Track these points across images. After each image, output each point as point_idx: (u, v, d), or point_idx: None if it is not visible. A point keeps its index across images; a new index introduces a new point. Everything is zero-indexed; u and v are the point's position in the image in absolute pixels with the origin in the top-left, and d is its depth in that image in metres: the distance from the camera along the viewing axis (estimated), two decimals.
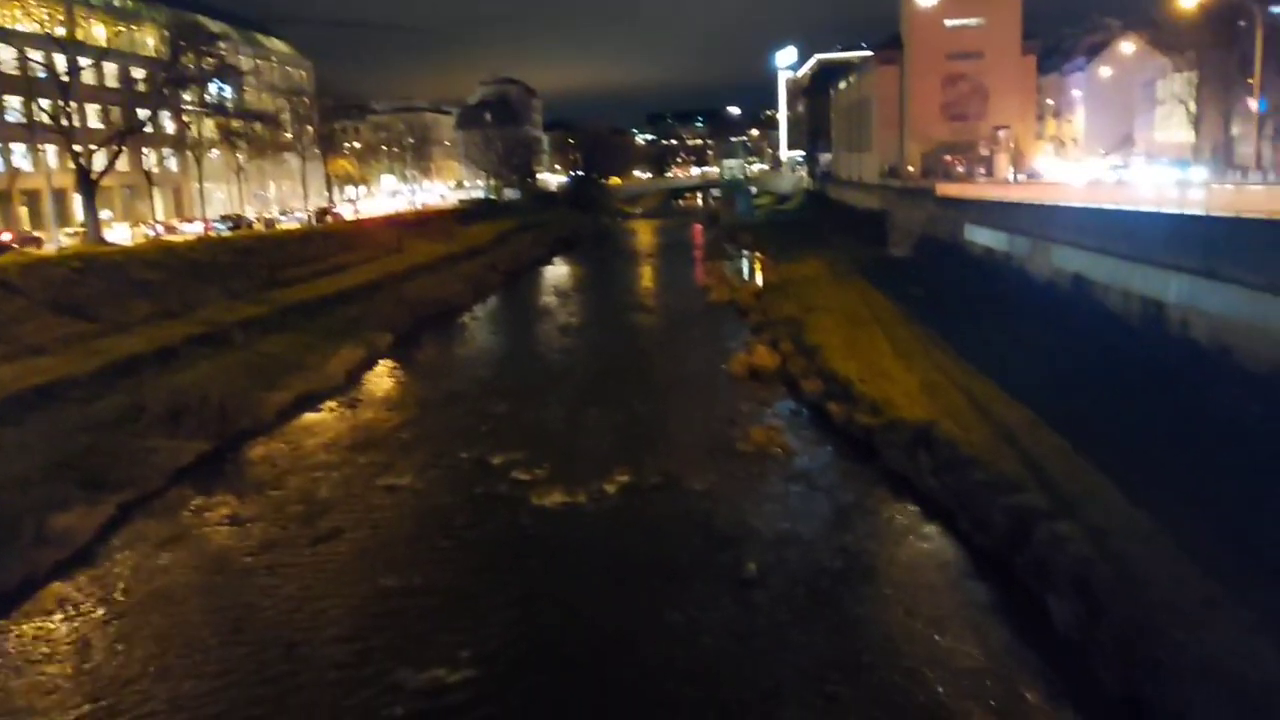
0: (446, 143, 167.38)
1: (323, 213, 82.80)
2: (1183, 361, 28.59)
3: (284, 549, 23.07)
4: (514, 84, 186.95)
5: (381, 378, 44.47)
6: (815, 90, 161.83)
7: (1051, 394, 27.65)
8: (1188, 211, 31.63)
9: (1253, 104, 51.12)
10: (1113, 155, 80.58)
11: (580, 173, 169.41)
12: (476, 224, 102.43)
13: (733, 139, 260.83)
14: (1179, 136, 78.14)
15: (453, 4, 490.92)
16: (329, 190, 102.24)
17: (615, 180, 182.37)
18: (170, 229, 67.84)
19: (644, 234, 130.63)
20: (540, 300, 71.10)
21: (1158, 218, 33.17)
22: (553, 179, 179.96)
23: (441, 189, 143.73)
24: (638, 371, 42.87)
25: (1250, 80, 51.59)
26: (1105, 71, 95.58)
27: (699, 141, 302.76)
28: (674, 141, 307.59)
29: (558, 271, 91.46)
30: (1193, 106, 72.31)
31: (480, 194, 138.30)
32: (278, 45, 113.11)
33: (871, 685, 15.78)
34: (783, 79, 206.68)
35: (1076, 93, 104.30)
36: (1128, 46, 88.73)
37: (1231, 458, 20.92)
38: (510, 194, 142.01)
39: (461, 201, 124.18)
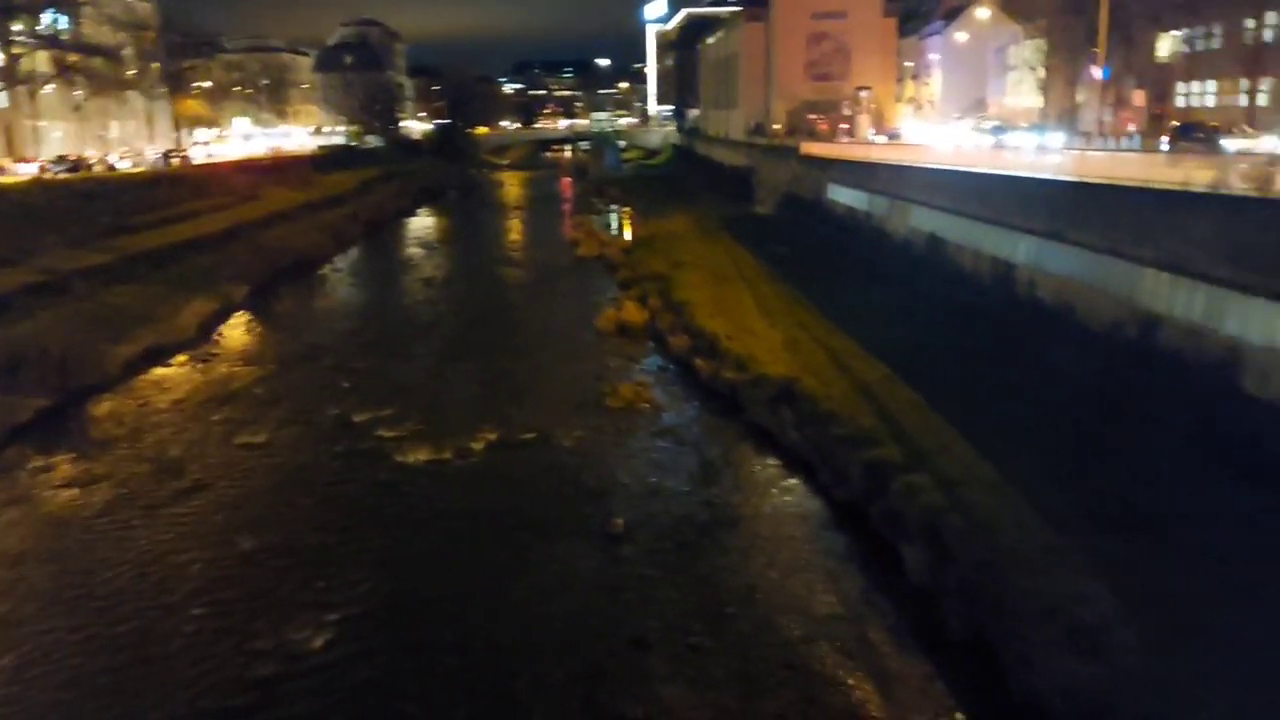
0: (305, 85, 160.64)
1: (170, 155, 78.42)
2: (1029, 320, 30.07)
3: (132, 510, 22.04)
4: (376, 26, 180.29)
5: (237, 331, 42.77)
6: (684, 44, 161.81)
7: (907, 351, 28.70)
8: (1037, 175, 33.10)
9: (1096, 72, 53.60)
10: (967, 118, 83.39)
11: (446, 121, 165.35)
12: (337, 172, 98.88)
13: (602, 92, 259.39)
14: (1028, 102, 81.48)
15: None
16: (177, 132, 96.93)
17: (482, 130, 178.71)
18: (0, 169, 63.15)
19: (511, 186, 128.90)
20: (405, 252, 69.49)
21: (1009, 181, 34.61)
22: (417, 127, 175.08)
23: (300, 134, 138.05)
24: (505, 326, 42.47)
25: (1095, 49, 54.06)
26: (961, 36, 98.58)
27: (567, 93, 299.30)
28: (542, 92, 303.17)
29: (423, 223, 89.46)
30: (1041, 73, 75.40)
31: (341, 140, 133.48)
32: None
33: (733, 635, 16.20)
34: (652, 32, 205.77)
35: (934, 56, 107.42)
36: (983, 12, 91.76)
37: (1071, 411, 22.16)
38: (373, 141, 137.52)
39: (321, 148, 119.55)
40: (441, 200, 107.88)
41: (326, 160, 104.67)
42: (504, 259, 63.86)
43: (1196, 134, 39.13)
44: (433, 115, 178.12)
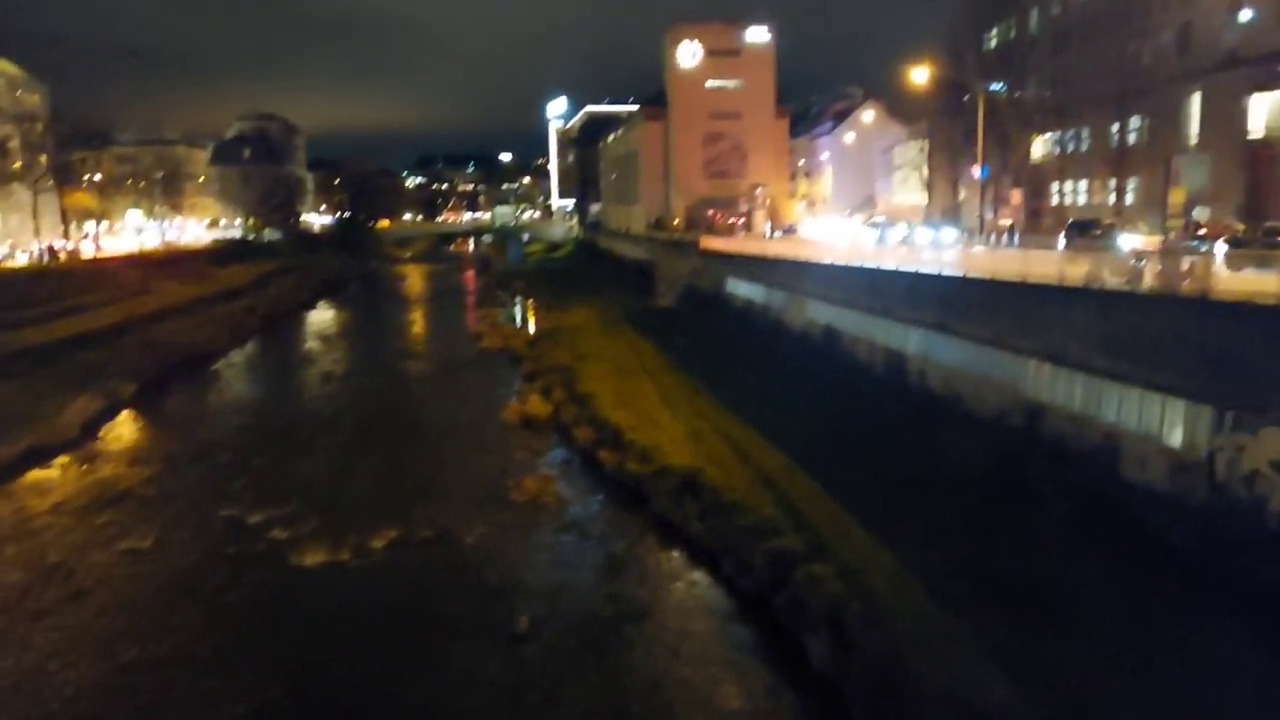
0: (200, 179, 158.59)
1: (53, 249, 76.00)
2: (921, 409, 31.02)
3: (7, 620, 20.82)
4: (275, 120, 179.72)
5: (125, 429, 41.24)
6: (585, 141, 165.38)
7: (806, 440, 29.28)
8: (924, 270, 34.54)
9: (976, 171, 56.60)
10: (858, 214, 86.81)
11: (347, 214, 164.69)
12: (234, 265, 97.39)
13: (505, 186, 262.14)
14: (914, 199, 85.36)
15: (210, 34, 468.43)
16: (65, 225, 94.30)
17: (384, 223, 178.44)
18: None
19: (414, 279, 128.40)
20: (304, 346, 68.29)
21: (899, 275, 36.00)
22: (317, 220, 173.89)
23: (195, 228, 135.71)
24: (408, 421, 41.91)
25: (975, 150, 57.18)
26: (849, 137, 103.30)
27: (471, 187, 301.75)
28: (445, 186, 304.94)
29: (322, 316, 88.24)
30: (925, 172, 79.21)
31: (238, 234, 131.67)
32: (6, 67, 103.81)
33: None
34: (554, 129, 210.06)
35: (825, 155, 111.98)
36: (869, 115, 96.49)
37: (963, 498, 22.83)
38: (271, 235, 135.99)
39: (216, 241, 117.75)
40: (342, 293, 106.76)
41: (223, 254, 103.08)
42: (407, 352, 63.29)
43: (1094, 231, 40.23)
44: (334, 208, 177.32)
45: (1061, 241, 38.87)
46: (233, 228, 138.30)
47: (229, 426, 41.76)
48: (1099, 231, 39.79)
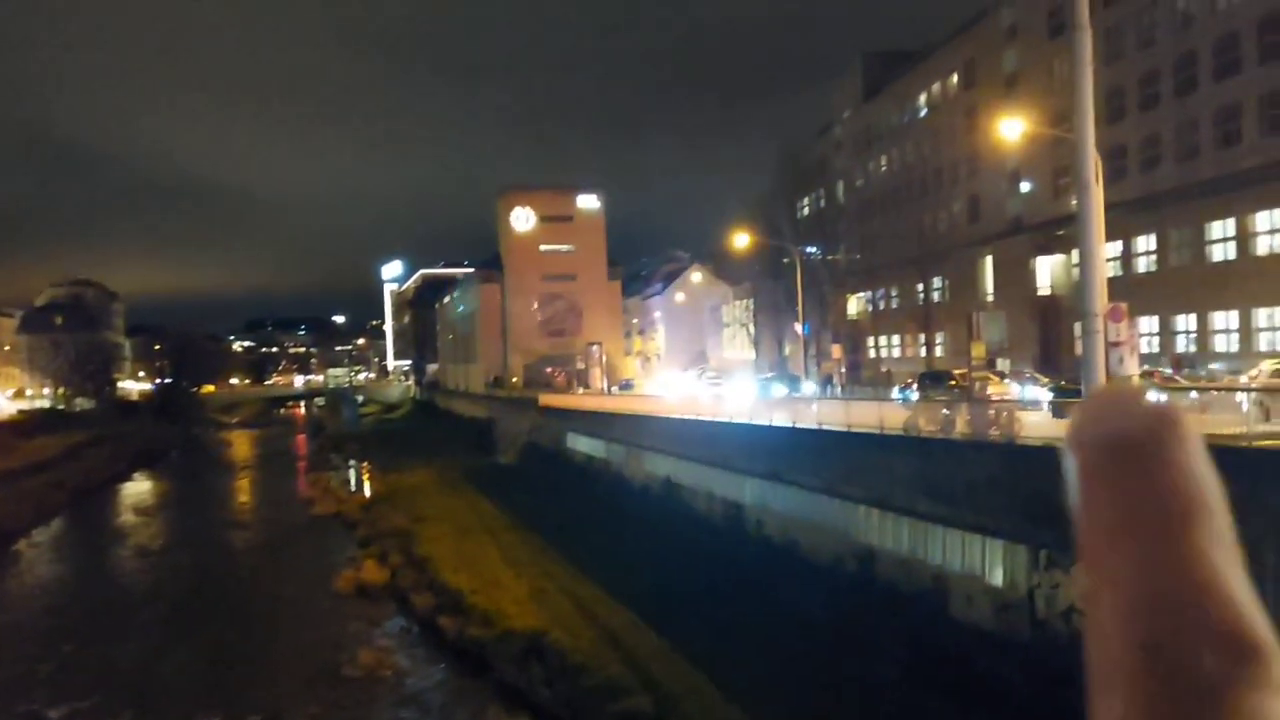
0: (6, 347, 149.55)
1: None
2: (759, 558, 31.63)
3: None
4: (91, 286, 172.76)
5: None
6: (421, 303, 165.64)
7: (650, 595, 29.27)
8: (756, 422, 35.86)
9: (798, 328, 59.81)
10: (691, 369, 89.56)
11: (168, 380, 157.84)
12: (42, 437, 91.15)
13: (339, 348, 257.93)
14: (743, 354, 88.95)
15: (20, 198, 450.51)
16: None
17: (209, 388, 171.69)
18: None
19: (242, 445, 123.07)
20: (118, 520, 63.93)
21: (733, 427, 37.22)
22: (136, 387, 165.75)
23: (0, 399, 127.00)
24: (232, 596, 39.50)
25: (796, 308, 60.55)
26: (679, 296, 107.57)
27: (303, 349, 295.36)
28: (275, 349, 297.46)
29: (140, 488, 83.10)
30: (752, 329, 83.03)
31: (47, 404, 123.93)
32: None
33: None
34: (389, 291, 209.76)
35: (657, 314, 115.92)
36: (696, 276, 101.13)
37: (802, 646, 23.19)
38: (85, 403, 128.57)
39: (21, 412, 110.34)
40: (162, 463, 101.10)
41: (29, 425, 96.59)
42: (232, 522, 60.13)
43: (949, 382, 41.38)
44: (155, 374, 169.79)
45: (915, 393, 40.27)
46: (41, 397, 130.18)
47: (30, 610, 38.29)
48: (953, 382, 40.82)
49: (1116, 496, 0.30)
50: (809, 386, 50.82)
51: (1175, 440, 0.31)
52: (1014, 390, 35.54)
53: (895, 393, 43.62)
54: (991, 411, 25.21)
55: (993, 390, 35.67)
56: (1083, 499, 0.31)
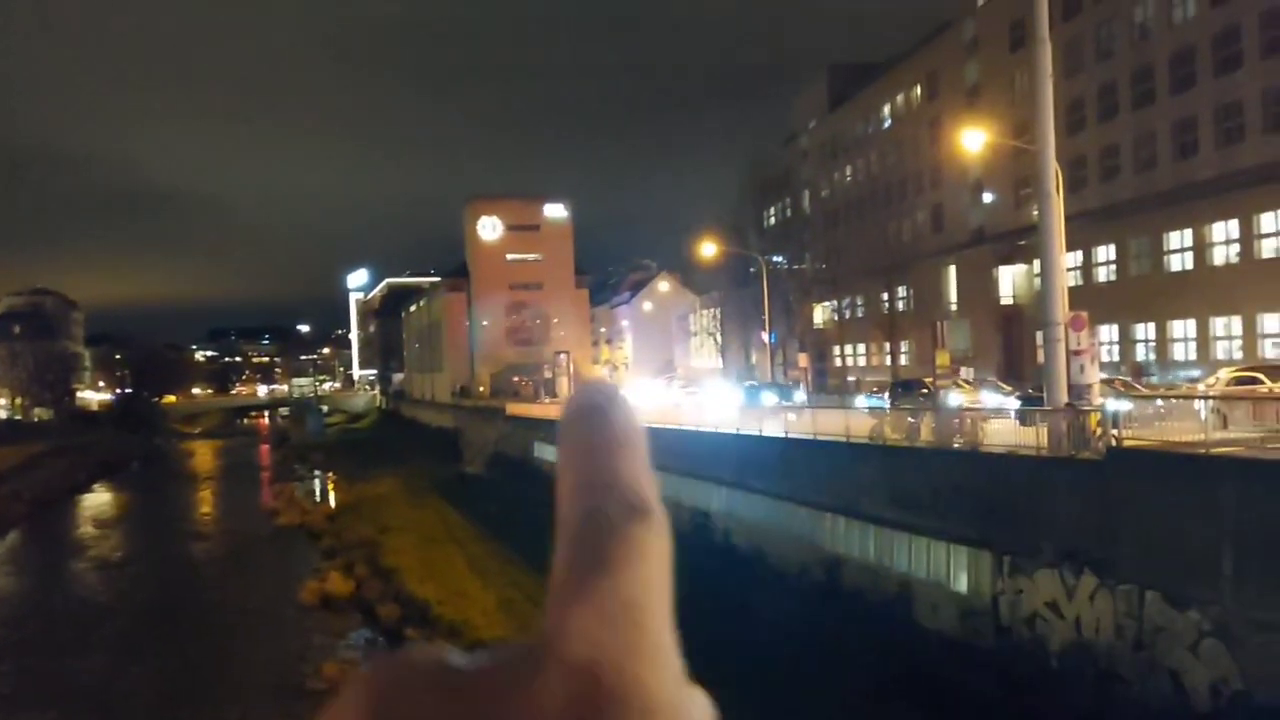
0: None
1: None
2: (728, 567, 31.68)
3: None
4: (50, 295, 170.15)
5: None
6: (387, 312, 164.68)
7: None
8: (723, 430, 35.96)
9: (765, 336, 60.09)
10: (660, 378, 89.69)
11: (129, 391, 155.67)
12: None
13: (303, 357, 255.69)
14: (711, 363, 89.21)
15: None
16: None
17: (171, 399, 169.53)
18: None
19: (204, 455, 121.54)
20: (77, 533, 62.87)
21: (701, 436, 37.30)
22: (96, 397, 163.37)
23: None
24: (195, 609, 38.96)
25: (763, 316, 60.83)
26: (647, 305, 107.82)
27: (266, 359, 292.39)
28: (239, 359, 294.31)
29: (100, 499, 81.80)
30: (719, 337, 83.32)
31: (4, 414, 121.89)
32: None
33: None
34: (354, 300, 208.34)
35: (625, 322, 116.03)
36: (664, 285, 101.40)
37: (774, 654, 23.27)
38: (43, 414, 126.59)
39: None
40: (123, 474, 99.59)
41: None
42: (194, 533, 59.33)
43: (920, 390, 41.16)
44: (116, 384, 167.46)
45: (887, 400, 40.45)
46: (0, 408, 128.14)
47: None
48: (925, 391, 40.72)
49: (579, 432, 0.48)
50: (800, 395, 49.84)
51: (616, 406, 0.48)
52: (988, 398, 35.78)
53: (861, 400, 43.85)
54: (955, 420, 25.46)
55: (965, 398, 35.91)
56: (561, 436, 0.50)
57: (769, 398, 45.41)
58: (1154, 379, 41.40)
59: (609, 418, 0.49)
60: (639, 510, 0.47)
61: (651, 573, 0.47)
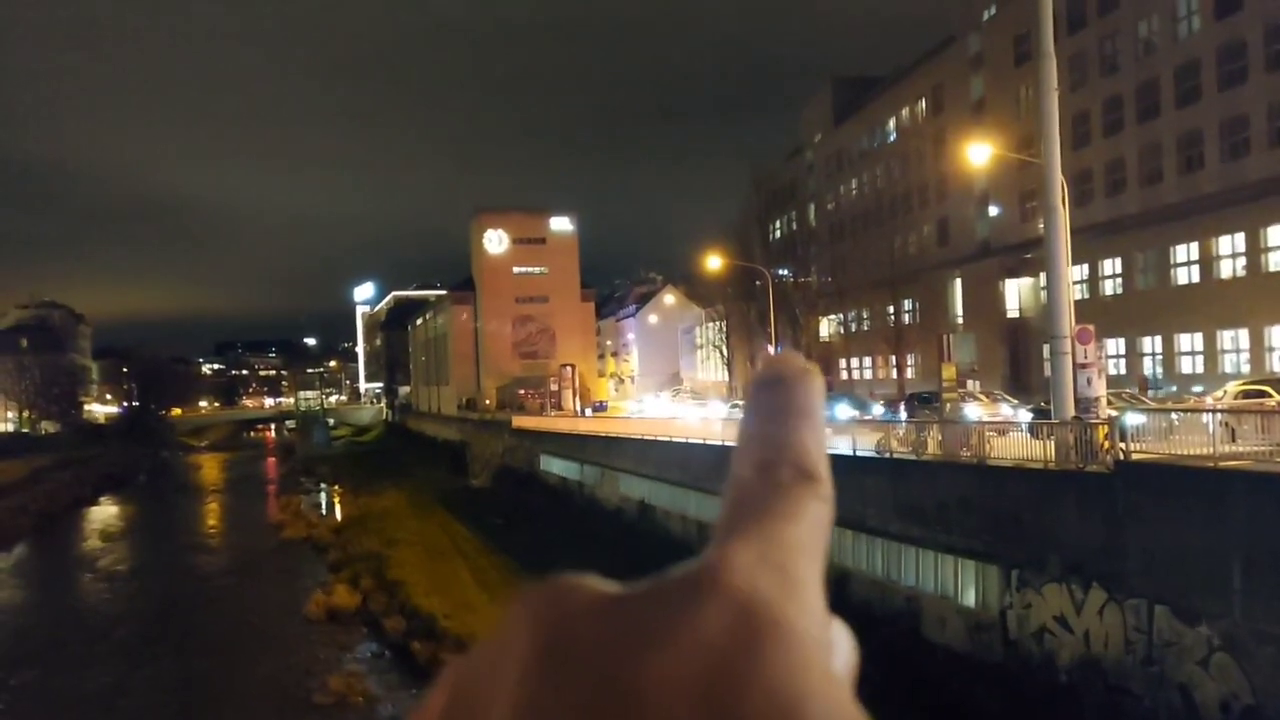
0: None
1: None
2: None
3: None
4: (57, 308, 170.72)
5: None
6: (393, 325, 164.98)
7: None
8: (726, 443, 35.86)
9: (770, 349, 60.07)
10: (665, 391, 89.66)
11: (135, 404, 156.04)
12: (4, 461, 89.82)
13: (310, 370, 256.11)
14: (716, 376, 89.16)
15: None
16: None
17: (177, 412, 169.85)
18: None
19: (210, 469, 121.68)
20: (83, 546, 62.94)
21: (705, 449, 37.27)
22: (102, 410, 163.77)
23: None
24: (199, 622, 38.96)
25: (768, 329, 60.84)
26: (653, 318, 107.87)
27: (273, 372, 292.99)
28: (245, 372, 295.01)
29: (106, 512, 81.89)
30: (724, 350, 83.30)
31: (10, 427, 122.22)
32: None
33: None
34: (361, 313, 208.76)
35: (630, 335, 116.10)
36: (669, 298, 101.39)
37: None
38: (50, 427, 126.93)
39: None
40: (129, 487, 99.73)
41: None
42: (200, 546, 59.35)
43: (934, 402, 40.94)
44: (123, 397, 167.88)
45: (903, 412, 40.12)
46: (5, 421, 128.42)
47: None
48: (939, 403, 40.48)
49: (764, 400, 0.51)
50: (877, 409, 47.09)
51: (800, 377, 0.52)
52: (1005, 411, 35.57)
53: (879, 411, 43.39)
54: (963, 433, 25.41)
55: (983, 410, 35.70)
56: (748, 403, 0.53)
57: (844, 410, 43.61)
58: (1161, 392, 41.30)
59: (794, 389, 0.53)
60: (807, 475, 0.50)
61: (809, 531, 0.50)
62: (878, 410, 44.65)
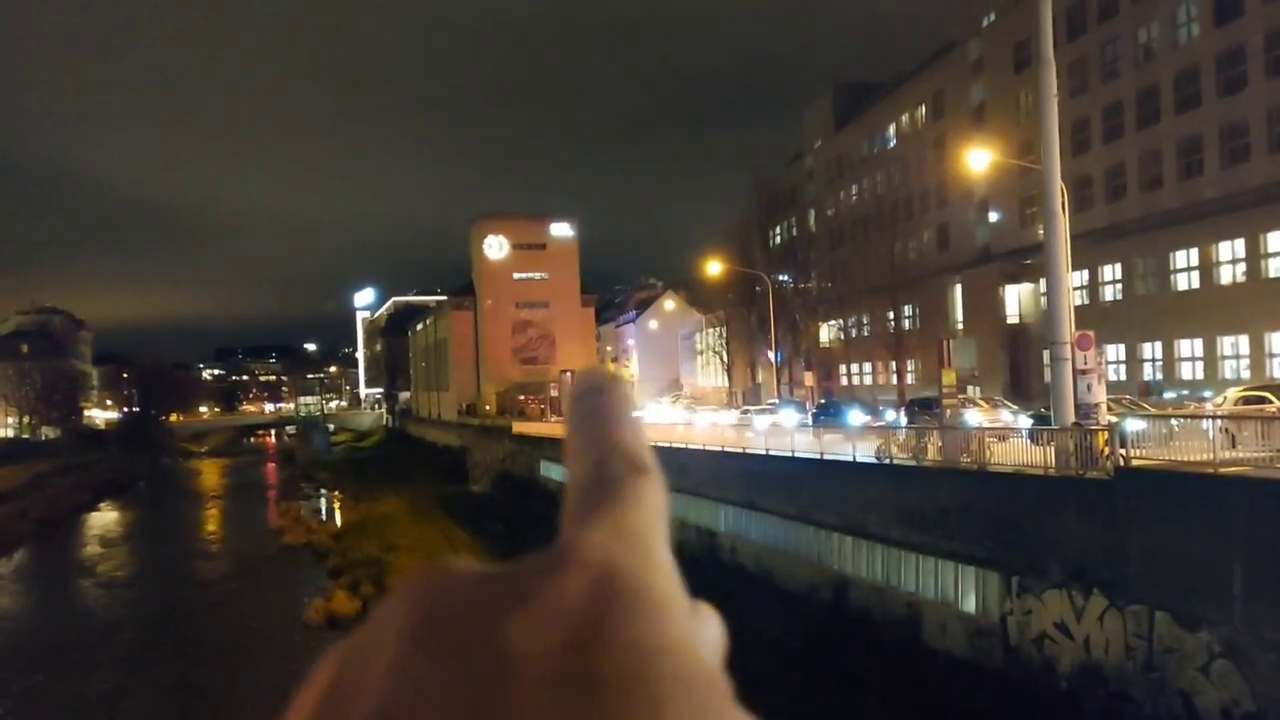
0: None
1: None
2: (734, 586, 31.59)
3: None
4: (58, 313, 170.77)
5: None
6: (393, 330, 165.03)
7: None
8: (729, 450, 35.91)
9: (771, 355, 60.05)
10: (665, 397, 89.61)
11: (136, 409, 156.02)
12: (5, 466, 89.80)
13: (310, 376, 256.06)
14: (717, 382, 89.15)
15: None
16: None
17: (177, 417, 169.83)
18: None
19: (211, 474, 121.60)
20: (83, 551, 62.90)
21: (707, 455, 37.26)
22: (103, 416, 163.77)
23: None
24: (199, 628, 38.92)
25: (768, 335, 60.86)
26: (653, 324, 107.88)
27: (273, 377, 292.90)
28: (245, 377, 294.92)
29: (106, 518, 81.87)
30: (725, 356, 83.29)
31: (10, 433, 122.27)
32: None
33: None
34: (361, 318, 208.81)
35: (631, 341, 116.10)
36: (669, 304, 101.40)
37: (782, 674, 23.17)
38: (50, 432, 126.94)
39: None
40: (130, 492, 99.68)
41: None
42: (200, 552, 59.31)
43: (934, 408, 39.71)
44: (123, 403, 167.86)
45: (903, 418, 40.10)
46: (5, 426, 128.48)
47: None
48: (939, 409, 39.01)
49: (585, 408, 0.55)
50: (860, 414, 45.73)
51: (615, 387, 0.56)
52: (1005, 417, 35.51)
53: (892, 416, 43.06)
54: (963, 439, 25.41)
55: (983, 416, 35.57)
56: (568, 409, 0.57)
57: (857, 416, 43.06)
58: (1162, 397, 41.25)
59: (609, 396, 0.57)
60: (639, 468, 0.54)
61: (651, 514, 0.53)
62: (890, 416, 43.96)
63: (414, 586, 0.52)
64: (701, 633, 0.54)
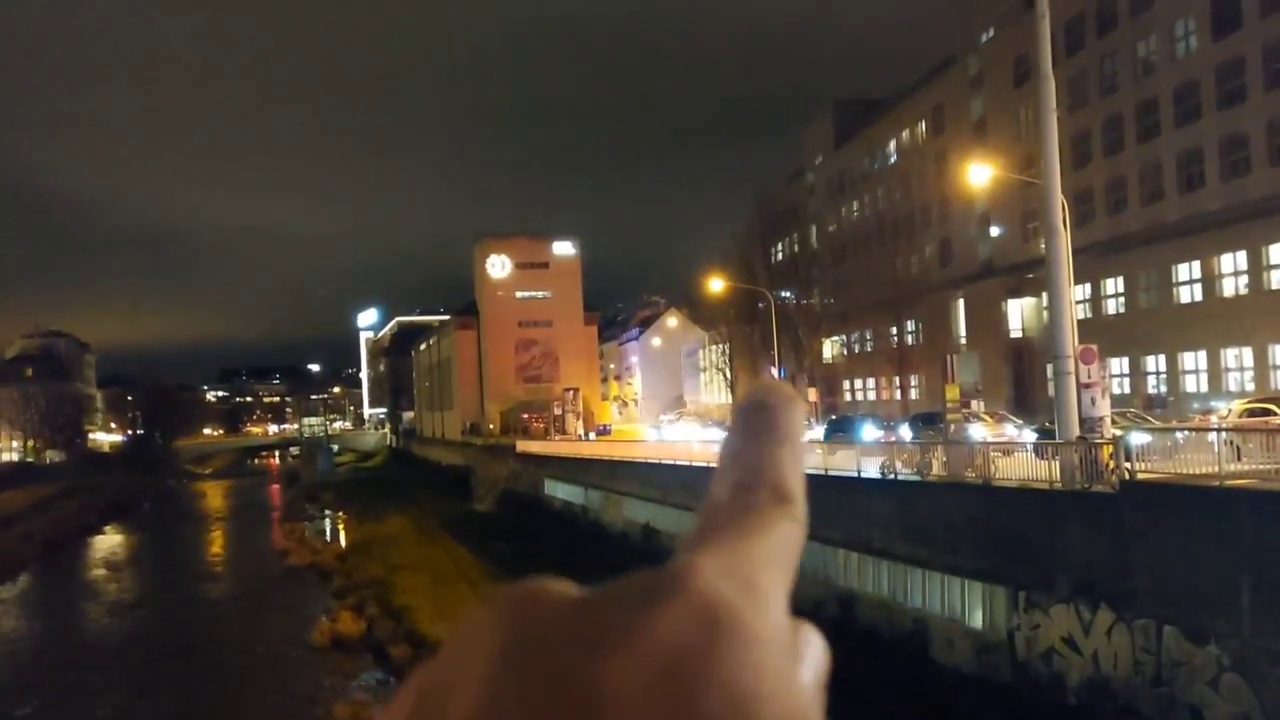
0: None
1: None
2: None
3: None
4: (63, 337, 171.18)
5: None
6: (397, 350, 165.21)
7: None
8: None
9: (774, 372, 60.06)
10: (669, 414, 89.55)
11: (140, 432, 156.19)
12: (10, 490, 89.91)
13: (314, 396, 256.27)
14: (720, 399, 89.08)
15: None
16: None
17: (182, 439, 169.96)
18: None
19: (215, 496, 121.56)
20: (88, 574, 62.86)
21: (709, 470, 37.16)
22: (107, 438, 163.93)
23: None
24: (204, 650, 38.81)
25: (772, 351, 60.89)
26: (656, 341, 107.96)
27: (277, 399, 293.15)
28: (249, 399, 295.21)
29: (111, 540, 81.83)
30: (728, 373, 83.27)
31: (16, 457, 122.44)
32: None
33: None
34: (364, 339, 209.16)
35: (634, 359, 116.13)
36: (672, 321, 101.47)
37: None
38: (55, 456, 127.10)
39: None
40: (134, 514, 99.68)
41: None
42: (204, 574, 59.23)
43: (939, 423, 39.82)
44: (128, 426, 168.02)
45: (909, 433, 39.84)
46: (10, 450, 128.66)
47: None
48: (943, 424, 38.89)
49: (747, 424, 0.54)
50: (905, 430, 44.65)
51: (783, 404, 0.54)
52: (1010, 431, 35.36)
53: (906, 432, 42.54)
54: (968, 453, 25.37)
55: (988, 431, 35.40)
56: (732, 426, 0.55)
57: (870, 431, 42.60)
58: (1165, 412, 41.16)
59: (777, 414, 0.55)
60: (783, 497, 0.53)
61: (777, 547, 0.52)
62: (904, 431, 43.16)
63: (504, 608, 0.50)
64: (803, 671, 0.52)
